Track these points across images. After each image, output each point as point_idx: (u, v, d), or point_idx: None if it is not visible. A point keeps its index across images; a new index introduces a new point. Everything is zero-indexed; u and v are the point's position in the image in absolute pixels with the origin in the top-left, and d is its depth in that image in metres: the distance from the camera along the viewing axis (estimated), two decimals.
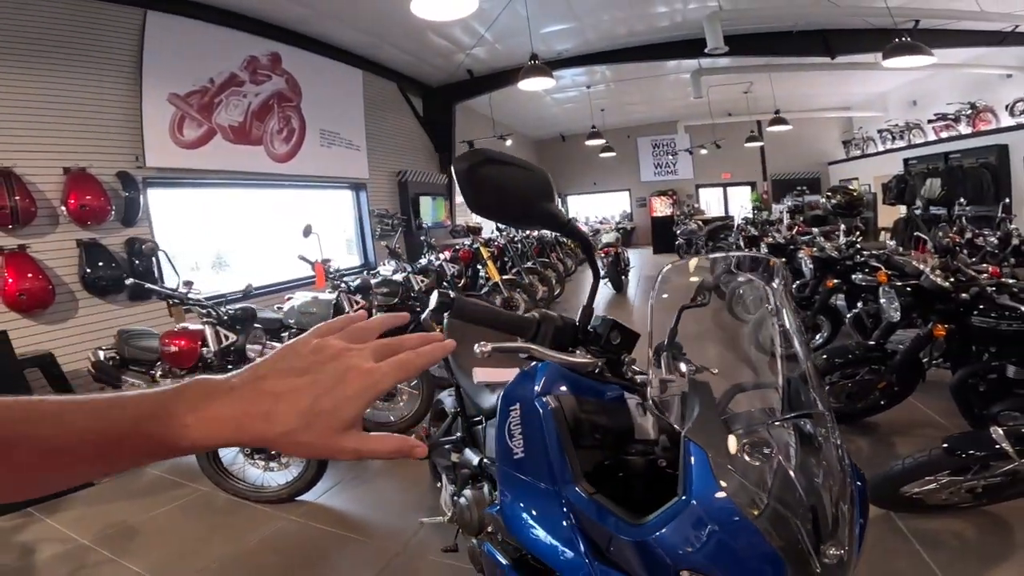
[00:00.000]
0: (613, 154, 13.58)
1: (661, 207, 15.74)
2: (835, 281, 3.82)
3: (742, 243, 6.32)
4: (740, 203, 15.23)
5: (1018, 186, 8.25)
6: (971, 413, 2.54)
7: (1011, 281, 2.38)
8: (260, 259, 6.12)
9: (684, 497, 0.76)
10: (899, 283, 2.79)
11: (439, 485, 2.50)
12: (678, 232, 11.63)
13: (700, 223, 11.32)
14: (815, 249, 4.04)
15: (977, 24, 6.70)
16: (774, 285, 0.91)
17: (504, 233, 7.84)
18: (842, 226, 4.23)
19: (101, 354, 3.37)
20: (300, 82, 6.37)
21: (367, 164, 7.76)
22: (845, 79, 10.12)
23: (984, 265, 2.72)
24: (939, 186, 9.54)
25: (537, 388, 1.00)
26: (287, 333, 3.79)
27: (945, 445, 1.91)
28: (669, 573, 0.74)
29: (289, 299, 4.65)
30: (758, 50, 7.12)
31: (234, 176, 5.79)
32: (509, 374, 1.69)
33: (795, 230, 5.64)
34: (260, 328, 3.07)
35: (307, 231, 3.83)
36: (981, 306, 2.44)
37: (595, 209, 17.11)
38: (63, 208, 4.07)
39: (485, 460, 1.48)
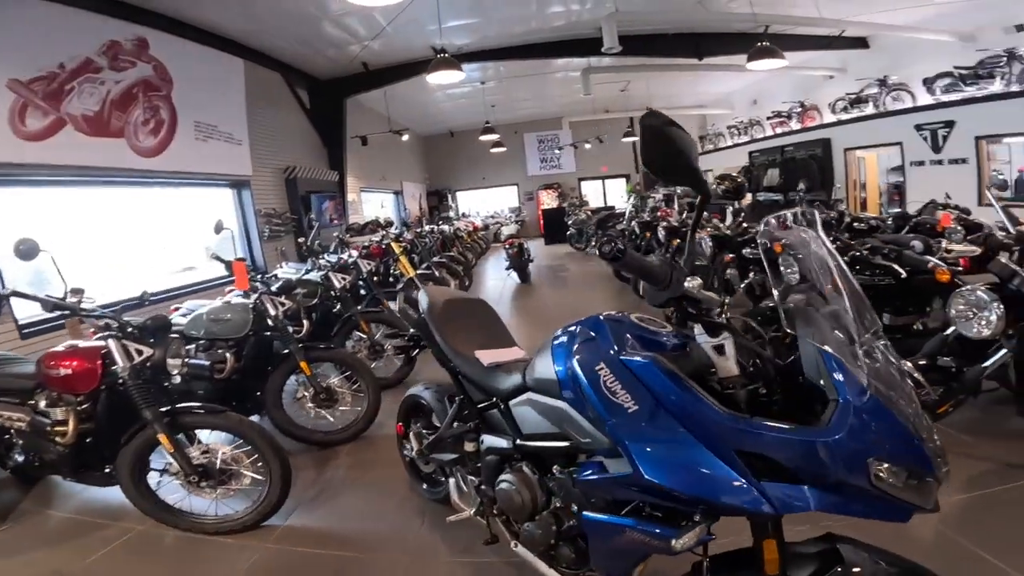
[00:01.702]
0: (504, 149, 13.88)
1: (549, 200, 16.49)
2: (732, 256, 4.33)
3: (637, 229, 6.79)
4: (619, 194, 16.44)
5: (840, 174, 9.93)
6: None
7: (883, 245, 2.90)
8: (131, 266, 5.31)
9: (841, 401, 0.87)
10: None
11: (424, 486, 2.40)
12: (570, 222, 12.25)
13: (589, 213, 12.04)
14: (712, 229, 4.54)
15: (810, 29, 7.82)
16: (818, 228, 1.08)
17: (410, 228, 7.65)
18: (729, 209, 4.79)
19: None
20: (171, 70, 5.64)
21: (250, 160, 7.09)
22: (700, 79, 11.32)
23: None
24: (778, 175, 11.18)
25: (614, 346, 1.08)
26: (192, 346, 3.34)
27: None
28: (861, 463, 0.84)
29: (176, 309, 4.07)
30: (639, 50, 7.68)
31: (91, 172, 4.98)
32: (514, 353, 1.70)
33: (684, 214, 6.25)
34: (179, 338, 2.69)
35: (219, 227, 3.40)
36: (858, 267, 2.94)
37: (484, 204, 17.33)
38: None
39: (519, 440, 1.46)
